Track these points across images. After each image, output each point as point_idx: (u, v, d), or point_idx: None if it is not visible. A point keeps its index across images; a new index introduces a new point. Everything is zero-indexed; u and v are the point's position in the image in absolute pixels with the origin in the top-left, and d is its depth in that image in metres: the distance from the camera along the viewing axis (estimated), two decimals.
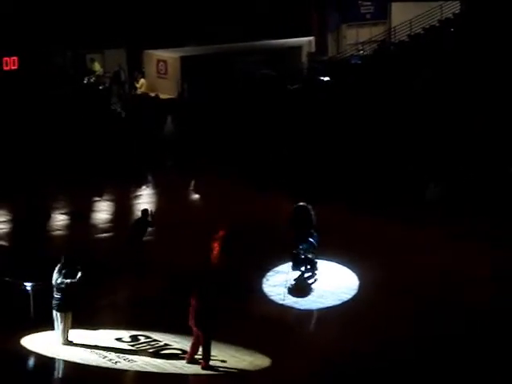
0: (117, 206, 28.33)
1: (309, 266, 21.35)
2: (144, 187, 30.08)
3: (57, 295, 17.63)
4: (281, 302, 20.19)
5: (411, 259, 22.45)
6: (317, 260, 21.44)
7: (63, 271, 17.69)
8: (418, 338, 18.18)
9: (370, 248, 23.19)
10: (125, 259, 21.87)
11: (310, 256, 21.30)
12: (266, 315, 19.41)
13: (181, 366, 17.07)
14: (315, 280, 21.29)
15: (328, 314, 19.80)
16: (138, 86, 37.84)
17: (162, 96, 36.21)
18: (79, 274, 17.69)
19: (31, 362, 17.61)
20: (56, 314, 17.72)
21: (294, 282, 21.06)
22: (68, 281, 17.57)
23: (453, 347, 17.76)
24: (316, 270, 21.45)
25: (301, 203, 22.03)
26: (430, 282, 21.06)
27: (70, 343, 17.85)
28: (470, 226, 24.70)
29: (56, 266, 17.82)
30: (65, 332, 17.79)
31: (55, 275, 17.70)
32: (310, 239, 21.33)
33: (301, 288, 20.88)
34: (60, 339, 17.80)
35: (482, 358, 17.33)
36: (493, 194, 26.37)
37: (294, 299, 20.36)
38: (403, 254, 22.84)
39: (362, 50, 40.35)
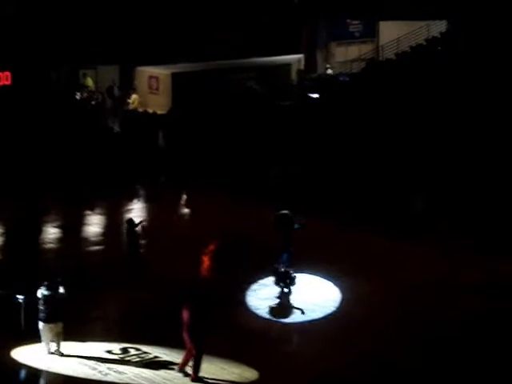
0: (108, 219, 28.24)
1: (288, 280, 21.33)
2: (136, 201, 30.07)
3: (43, 307, 17.61)
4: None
5: (398, 272, 22.43)
6: (295, 274, 21.42)
7: (46, 283, 17.70)
8: (407, 350, 18.16)
9: (357, 261, 23.19)
10: (115, 272, 21.86)
11: (289, 270, 21.30)
12: (254, 328, 19.38)
13: (170, 379, 17.00)
14: (292, 295, 21.26)
15: (315, 327, 19.72)
16: (130, 101, 37.86)
17: (154, 112, 36.32)
18: (61, 289, 17.73)
19: (21, 374, 17.46)
20: (43, 326, 17.69)
21: (276, 302, 21.02)
22: (53, 293, 17.56)
23: (445, 357, 17.76)
24: (294, 284, 21.39)
25: (283, 211, 22.01)
26: (418, 294, 21.04)
27: (62, 355, 17.79)
28: (456, 239, 24.73)
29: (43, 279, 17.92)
30: (58, 344, 17.76)
31: (41, 288, 17.71)
32: (289, 250, 21.47)
33: (284, 307, 20.80)
34: (45, 351, 17.73)
35: (474, 369, 17.33)
36: (480, 206, 26.54)
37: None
38: (390, 268, 22.81)
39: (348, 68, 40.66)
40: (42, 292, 17.66)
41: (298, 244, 22.06)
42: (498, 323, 19.21)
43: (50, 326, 17.63)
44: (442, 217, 26.43)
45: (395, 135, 31.08)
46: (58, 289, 17.69)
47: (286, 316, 20.25)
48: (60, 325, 17.75)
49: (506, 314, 19.67)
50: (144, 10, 37.58)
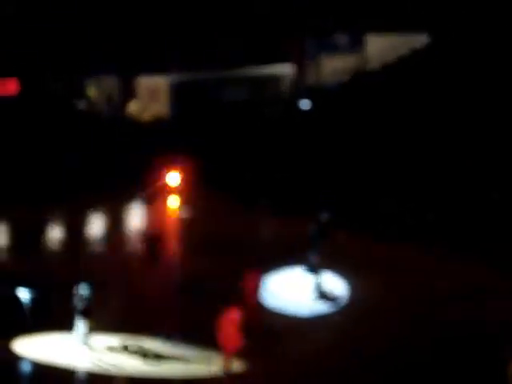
0: (110, 222, 28.34)
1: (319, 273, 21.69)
2: (137, 204, 30.23)
3: (82, 303, 18.00)
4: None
5: (396, 277, 22.48)
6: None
7: (86, 282, 18.24)
8: (403, 348, 18.18)
9: (353, 263, 23.14)
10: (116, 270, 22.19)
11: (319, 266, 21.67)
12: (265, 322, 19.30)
13: (171, 372, 17.08)
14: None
15: (317, 322, 19.82)
16: (129, 109, 37.94)
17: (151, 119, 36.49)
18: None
19: (25, 367, 17.59)
20: (79, 320, 18.01)
21: (314, 290, 21.32)
22: (90, 291, 18.11)
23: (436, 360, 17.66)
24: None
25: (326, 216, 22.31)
26: (413, 298, 21.13)
27: (89, 347, 18.04)
28: (452, 247, 24.67)
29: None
30: (86, 336, 18.03)
31: (80, 286, 18.15)
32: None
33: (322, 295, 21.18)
34: (82, 343, 18.02)
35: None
36: (474, 216, 26.37)
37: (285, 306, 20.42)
38: (388, 272, 22.81)
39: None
40: (81, 289, 18.05)
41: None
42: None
43: (88, 320, 18.01)
44: (432, 224, 26.34)
45: (382, 144, 31.19)
46: (91, 287, 18.17)
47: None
48: (92, 319, 18.10)
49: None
50: (144, 22, 37.69)
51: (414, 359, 17.67)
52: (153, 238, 22.24)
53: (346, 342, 18.56)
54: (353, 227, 26.07)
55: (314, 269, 21.72)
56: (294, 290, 21.54)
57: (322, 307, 20.54)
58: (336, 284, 21.87)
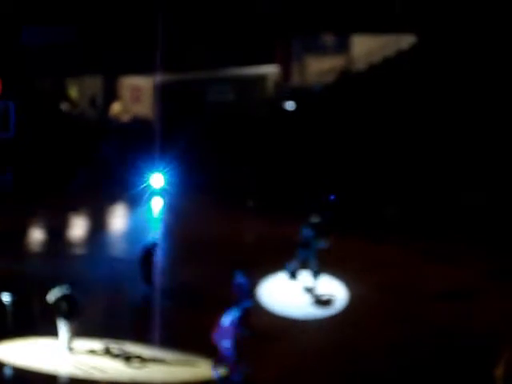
0: (93, 224, 28.15)
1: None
2: (119, 205, 30.06)
3: (65, 305, 17.69)
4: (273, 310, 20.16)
5: (375, 275, 22.46)
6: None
7: (69, 284, 17.90)
8: (397, 350, 18.17)
9: (350, 267, 23.05)
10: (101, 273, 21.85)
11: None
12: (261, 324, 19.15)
13: (152, 375, 16.88)
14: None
15: (311, 325, 19.74)
16: (112, 111, 37.88)
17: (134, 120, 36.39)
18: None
19: (7, 372, 17.22)
20: (65, 323, 17.70)
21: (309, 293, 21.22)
22: (73, 292, 17.77)
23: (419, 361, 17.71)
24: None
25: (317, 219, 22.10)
26: (393, 298, 21.13)
27: (72, 350, 17.77)
28: (430, 245, 24.83)
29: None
30: (69, 339, 17.75)
31: (58, 289, 17.82)
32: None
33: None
34: (64, 346, 17.73)
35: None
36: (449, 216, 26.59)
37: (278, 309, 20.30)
38: (367, 271, 22.82)
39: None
40: (64, 291, 17.72)
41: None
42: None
43: (71, 322, 17.70)
44: (415, 224, 26.49)
45: (370, 145, 31.20)
46: (74, 289, 17.84)
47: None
48: (75, 322, 17.83)
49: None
50: (126, 21, 37.67)
51: (408, 360, 17.66)
52: (150, 246, 21.82)
53: (340, 344, 18.50)
54: (346, 229, 25.95)
55: (294, 273, 21.64)
56: (288, 293, 21.33)
57: (317, 310, 20.34)
58: (332, 286, 21.71)
